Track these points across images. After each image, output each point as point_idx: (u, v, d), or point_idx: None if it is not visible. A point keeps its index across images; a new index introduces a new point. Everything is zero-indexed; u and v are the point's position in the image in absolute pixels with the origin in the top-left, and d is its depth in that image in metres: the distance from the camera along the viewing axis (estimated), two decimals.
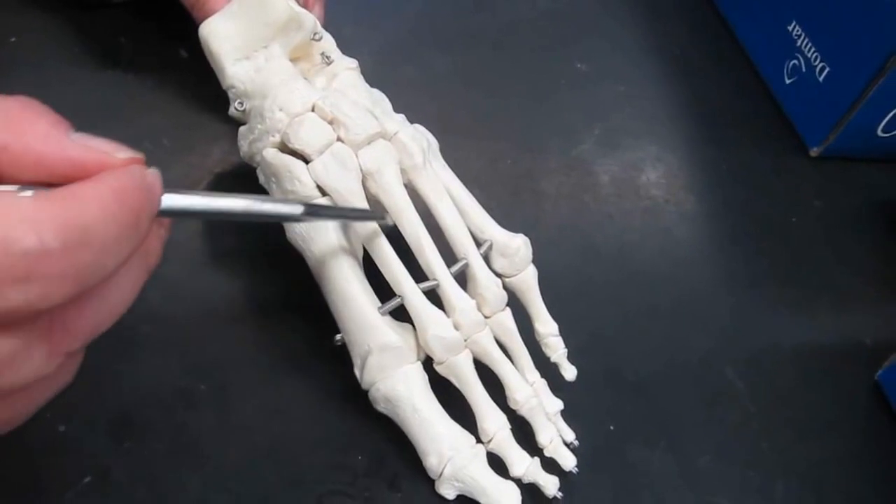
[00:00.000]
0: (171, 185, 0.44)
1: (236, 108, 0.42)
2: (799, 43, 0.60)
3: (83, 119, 0.47)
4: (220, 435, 0.38)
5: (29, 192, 0.24)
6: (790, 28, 0.61)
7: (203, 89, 0.45)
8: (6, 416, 0.26)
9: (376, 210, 0.39)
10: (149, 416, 0.37)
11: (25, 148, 0.24)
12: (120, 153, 0.25)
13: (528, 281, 0.41)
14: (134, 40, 0.52)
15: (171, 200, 0.27)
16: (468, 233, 0.40)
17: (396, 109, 0.44)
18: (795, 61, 0.61)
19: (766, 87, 0.63)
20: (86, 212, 0.23)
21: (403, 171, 0.40)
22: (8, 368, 0.24)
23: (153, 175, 0.26)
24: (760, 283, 0.51)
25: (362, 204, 0.38)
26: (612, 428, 0.42)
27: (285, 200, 0.34)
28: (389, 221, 0.38)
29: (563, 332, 0.42)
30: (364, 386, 0.38)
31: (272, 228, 0.40)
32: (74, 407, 0.37)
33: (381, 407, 0.38)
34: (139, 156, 0.26)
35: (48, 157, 0.24)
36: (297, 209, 0.32)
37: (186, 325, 0.41)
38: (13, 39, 0.50)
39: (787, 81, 0.62)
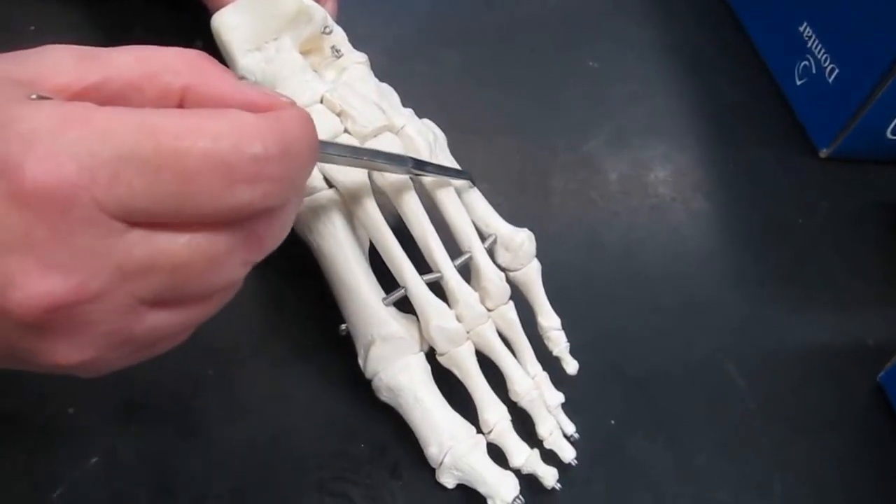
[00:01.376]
0: None
1: None
2: (810, 44, 0.60)
3: None
4: (225, 419, 0.38)
5: None
6: (801, 29, 0.61)
7: None
8: (190, 321, 0.30)
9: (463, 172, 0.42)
10: (156, 400, 0.38)
11: (209, 87, 0.27)
12: (284, 98, 0.29)
13: (531, 275, 0.42)
14: (150, 30, 0.53)
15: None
16: (473, 226, 0.41)
17: (407, 104, 0.44)
18: (806, 62, 0.61)
19: (777, 88, 0.63)
20: (292, 129, 0.27)
21: None
22: (217, 267, 0.27)
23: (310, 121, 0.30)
24: (765, 282, 0.51)
25: (367, 195, 0.39)
26: (612, 422, 0.43)
27: (398, 155, 0.38)
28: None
29: (567, 327, 0.42)
30: (367, 375, 0.38)
31: None
32: (83, 389, 0.37)
33: (383, 396, 0.38)
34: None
35: (227, 95, 0.27)
36: (407, 162, 0.37)
37: None
38: (32, 28, 0.51)
39: (798, 82, 0.62)
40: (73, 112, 0.24)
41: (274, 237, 0.30)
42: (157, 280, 0.25)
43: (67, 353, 0.25)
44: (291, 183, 0.28)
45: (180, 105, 0.27)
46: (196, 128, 0.24)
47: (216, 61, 0.28)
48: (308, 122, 0.28)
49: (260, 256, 0.30)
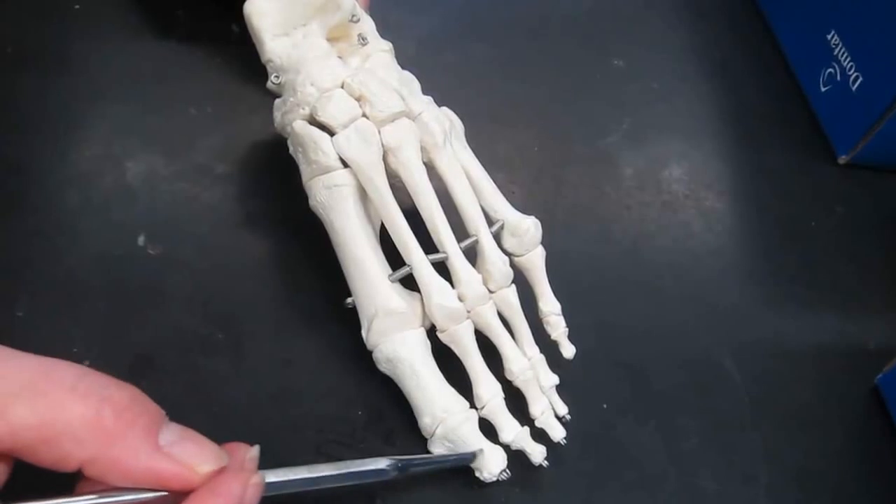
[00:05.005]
0: (211, 150, 0.48)
1: (273, 82, 0.45)
2: (836, 52, 0.61)
3: (137, 84, 0.50)
4: (231, 380, 0.41)
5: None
6: (829, 37, 0.61)
7: (249, 63, 0.47)
8: None
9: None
10: (168, 358, 0.41)
11: (113, 462, 0.26)
12: (205, 466, 0.28)
13: (535, 261, 0.43)
14: (190, 14, 0.56)
15: (270, 487, 0.31)
16: (481, 211, 0.42)
17: (432, 93, 0.46)
18: (831, 69, 0.61)
19: (801, 93, 0.64)
20: None
21: (424, 150, 0.42)
22: None
23: (252, 489, 0.29)
24: (771, 282, 0.52)
25: (380, 175, 0.41)
26: (604, 406, 0.44)
27: (375, 460, 0.36)
28: (475, 459, 0.39)
29: (568, 313, 0.43)
30: (369, 346, 0.40)
31: (296, 196, 0.43)
32: (101, 344, 0.40)
33: (383, 367, 0.40)
34: (224, 457, 0.29)
35: (134, 471, 0.26)
36: (383, 464, 0.36)
37: (212, 278, 0.44)
38: (77, 7, 0.54)
39: (823, 89, 0.62)
40: None
41: None
42: None
43: None
44: None
45: (79, 471, 0.26)
46: None
47: (142, 412, 0.27)
48: (233, 491, 0.28)
49: None
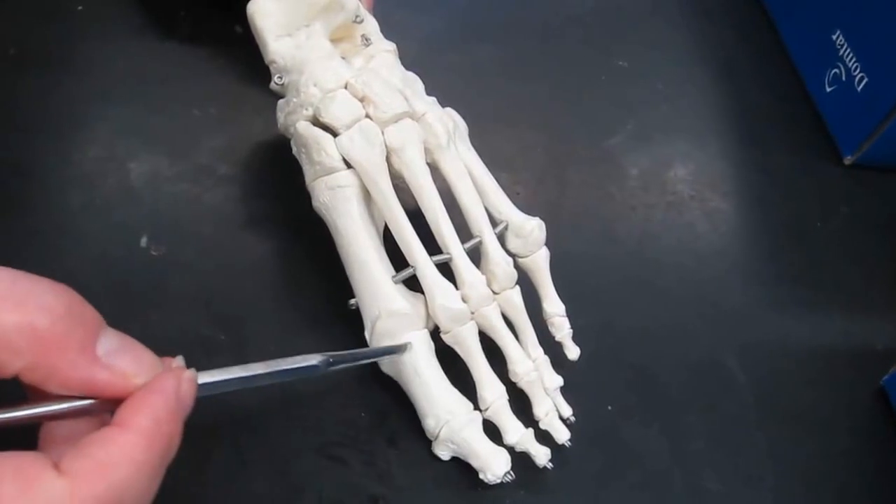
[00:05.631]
0: (215, 152, 0.48)
1: (276, 82, 0.45)
2: (841, 52, 0.61)
3: (140, 85, 0.50)
4: None
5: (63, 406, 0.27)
6: (834, 37, 0.61)
7: (252, 64, 0.47)
8: None
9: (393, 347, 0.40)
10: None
11: (49, 371, 0.26)
12: (140, 377, 0.28)
13: (539, 262, 0.43)
14: (193, 15, 0.55)
15: (205, 388, 0.31)
16: (485, 212, 0.42)
17: (436, 94, 0.46)
18: (837, 70, 0.61)
19: (806, 94, 0.64)
20: (119, 478, 0.25)
21: (428, 151, 0.42)
22: None
23: (186, 383, 0.29)
24: (776, 283, 0.52)
25: (383, 176, 0.40)
26: (609, 407, 0.44)
27: (304, 357, 0.36)
28: (404, 350, 0.40)
29: (573, 314, 0.43)
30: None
31: (300, 197, 0.43)
32: None
33: (386, 369, 0.40)
34: (159, 367, 0.29)
35: (70, 380, 0.26)
36: (315, 359, 0.35)
37: (215, 279, 0.44)
38: (80, 8, 0.54)
39: (828, 89, 0.62)
40: None
41: None
42: None
43: None
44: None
45: (15, 377, 0.26)
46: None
47: (77, 324, 0.27)
48: (160, 430, 0.27)
49: None
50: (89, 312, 0.28)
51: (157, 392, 0.28)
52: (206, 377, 0.31)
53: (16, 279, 0.26)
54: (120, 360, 0.27)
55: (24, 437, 0.27)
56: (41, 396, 0.27)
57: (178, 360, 0.31)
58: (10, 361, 0.25)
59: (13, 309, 0.25)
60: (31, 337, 0.25)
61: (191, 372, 0.30)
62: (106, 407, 0.28)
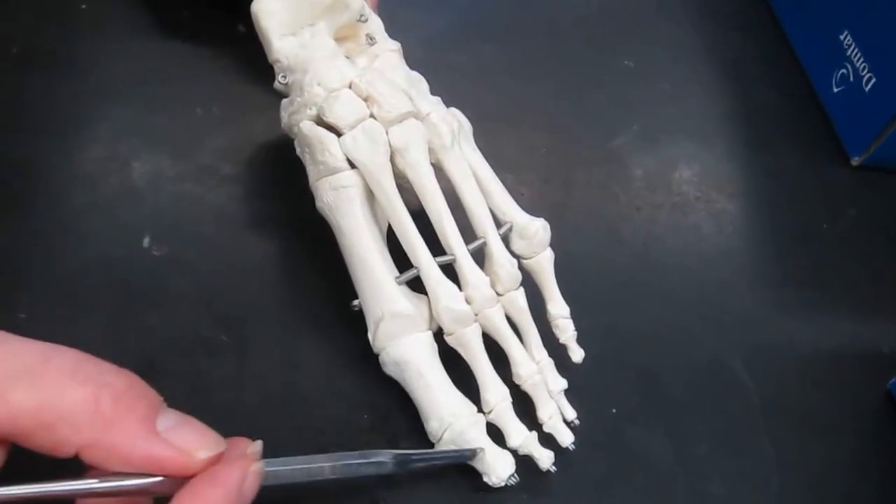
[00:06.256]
0: (217, 151, 0.48)
1: (280, 82, 0.44)
2: (849, 52, 0.60)
3: (143, 84, 0.50)
4: (235, 383, 0.40)
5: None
6: (842, 37, 0.61)
7: (256, 63, 0.47)
8: None
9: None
10: (171, 361, 0.40)
11: (110, 447, 0.26)
12: (203, 452, 0.28)
13: (543, 263, 0.43)
14: (196, 14, 0.55)
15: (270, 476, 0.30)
16: (489, 213, 0.42)
17: (440, 94, 0.45)
18: (844, 70, 0.61)
19: (813, 94, 0.64)
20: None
21: (432, 151, 0.42)
22: None
23: (252, 476, 0.29)
24: (782, 285, 0.51)
25: (387, 176, 0.40)
26: (614, 411, 0.43)
27: (374, 453, 0.35)
28: (476, 456, 0.38)
29: (577, 316, 0.43)
30: (375, 349, 0.40)
31: (303, 197, 0.43)
32: (103, 345, 0.39)
33: (389, 370, 0.40)
34: (223, 444, 0.29)
35: (131, 456, 0.26)
36: (385, 458, 0.35)
37: (217, 279, 0.44)
38: (84, 7, 0.54)
39: (835, 90, 0.62)
40: None
41: None
42: None
43: None
44: None
45: (76, 456, 0.26)
46: None
47: (140, 397, 0.27)
48: (231, 481, 0.28)
49: None
50: (149, 392, 0.28)
51: (219, 485, 0.28)
52: (272, 467, 0.31)
53: (82, 359, 0.27)
54: (180, 435, 0.28)
55: None
56: (101, 474, 0.27)
57: (256, 446, 0.31)
58: (72, 438, 0.25)
59: (77, 386, 0.26)
60: (93, 413, 0.25)
61: (258, 465, 0.30)
62: (171, 485, 0.28)
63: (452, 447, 0.39)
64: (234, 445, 0.30)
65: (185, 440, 0.27)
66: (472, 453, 0.38)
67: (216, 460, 0.28)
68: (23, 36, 0.51)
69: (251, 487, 0.29)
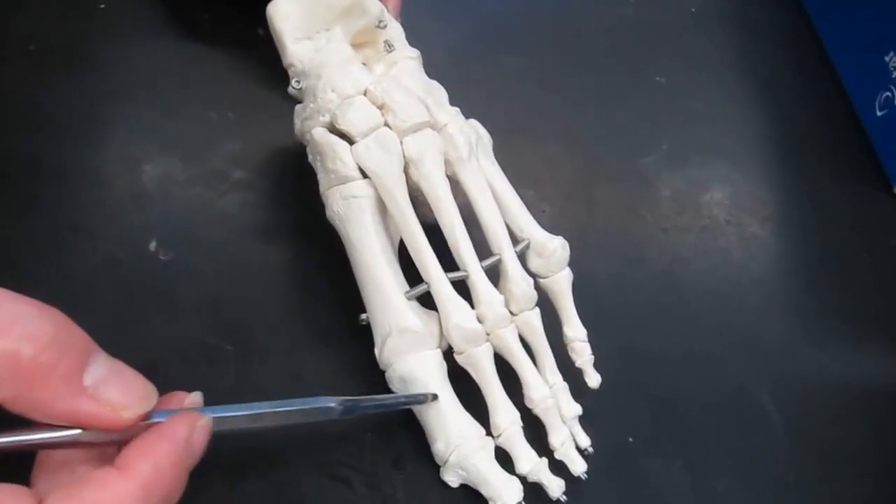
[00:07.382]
0: (229, 156, 0.46)
1: (294, 87, 0.43)
2: (894, 75, 0.58)
3: (159, 86, 0.49)
4: (237, 394, 0.39)
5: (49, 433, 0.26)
6: (887, 59, 0.59)
7: (274, 68, 0.46)
8: None
9: (421, 396, 0.38)
10: (173, 368, 0.39)
11: (33, 403, 0.25)
12: (128, 411, 0.26)
13: (561, 283, 0.42)
14: (216, 16, 0.54)
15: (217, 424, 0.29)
16: (506, 229, 0.41)
17: (462, 104, 0.44)
18: (889, 93, 0.58)
19: (854, 117, 0.62)
20: (155, 464, 0.26)
21: (448, 163, 0.41)
22: None
23: (199, 431, 0.28)
24: (815, 316, 0.50)
25: (400, 187, 0.39)
26: (630, 440, 0.42)
27: (321, 398, 0.34)
28: (430, 399, 0.38)
29: (595, 340, 0.42)
30: (381, 366, 0.39)
31: (314, 205, 0.41)
32: (105, 347, 0.38)
33: (396, 387, 0.39)
34: (154, 397, 0.28)
35: (56, 411, 0.25)
36: (332, 402, 0.34)
37: (223, 287, 0.42)
38: (102, 6, 0.53)
39: (878, 113, 0.60)
40: None
41: None
42: None
43: None
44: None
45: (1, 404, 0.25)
46: None
47: (62, 362, 0.25)
48: (177, 434, 0.27)
49: None
50: (78, 338, 0.26)
51: (165, 438, 0.27)
52: (215, 413, 0.30)
53: (1, 303, 0.25)
54: (108, 390, 0.26)
55: (20, 462, 0.27)
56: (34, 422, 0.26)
57: (195, 397, 0.30)
58: None
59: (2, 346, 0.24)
60: (13, 367, 0.24)
61: (206, 419, 0.29)
62: (103, 438, 0.27)
63: (461, 473, 0.37)
64: (170, 397, 0.30)
65: (112, 394, 0.26)
66: (425, 398, 0.37)
67: (145, 415, 0.27)
68: (40, 34, 0.50)
69: (200, 440, 0.28)
